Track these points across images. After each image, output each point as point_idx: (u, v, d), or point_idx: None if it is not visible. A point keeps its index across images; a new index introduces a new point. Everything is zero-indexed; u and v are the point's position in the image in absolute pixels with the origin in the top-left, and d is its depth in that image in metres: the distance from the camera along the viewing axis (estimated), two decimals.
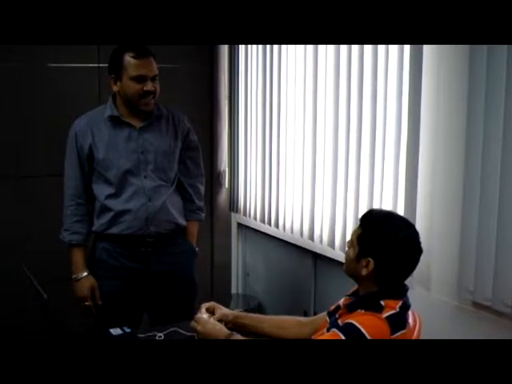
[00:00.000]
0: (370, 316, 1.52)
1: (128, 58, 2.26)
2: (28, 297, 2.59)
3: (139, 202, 2.34)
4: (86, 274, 2.37)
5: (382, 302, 1.54)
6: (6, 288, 3.12)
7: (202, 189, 2.62)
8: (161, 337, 1.98)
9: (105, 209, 2.36)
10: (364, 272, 1.57)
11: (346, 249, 1.68)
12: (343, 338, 1.48)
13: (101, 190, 2.36)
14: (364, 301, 1.58)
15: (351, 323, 1.50)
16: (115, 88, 2.33)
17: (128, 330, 1.97)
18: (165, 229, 2.41)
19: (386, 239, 1.56)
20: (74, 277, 2.38)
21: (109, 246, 2.39)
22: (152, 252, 2.40)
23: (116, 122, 2.35)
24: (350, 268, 1.64)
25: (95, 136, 2.33)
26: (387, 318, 1.51)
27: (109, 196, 2.35)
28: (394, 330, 1.50)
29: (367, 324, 1.49)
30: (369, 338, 1.47)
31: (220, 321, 1.82)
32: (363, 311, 1.54)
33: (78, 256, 2.38)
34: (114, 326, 2.01)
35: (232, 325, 1.86)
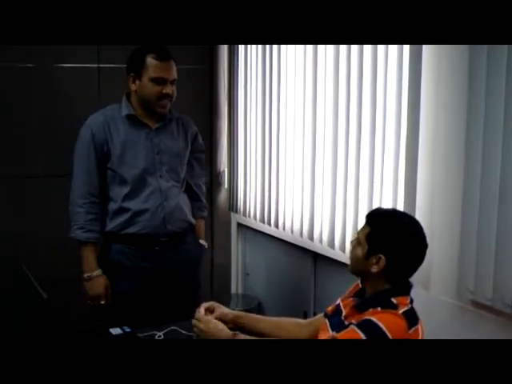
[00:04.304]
0: (388, 314, 1.53)
1: (150, 59, 2.29)
2: (28, 297, 2.59)
3: (156, 201, 2.37)
4: (99, 272, 2.36)
5: (394, 300, 1.56)
6: (6, 288, 3.12)
7: (205, 188, 2.70)
8: (160, 336, 1.98)
9: (122, 209, 2.36)
10: (375, 269, 1.58)
11: (351, 248, 1.68)
12: (362, 335, 1.50)
13: (117, 191, 2.36)
14: (375, 299, 1.59)
15: (369, 319, 1.51)
16: (133, 87, 2.34)
17: (128, 330, 1.97)
18: (179, 227, 2.45)
19: (397, 235, 1.58)
20: (86, 276, 2.36)
21: (124, 247, 2.39)
22: (166, 251, 2.42)
23: (133, 121, 2.36)
24: (358, 266, 1.64)
25: (112, 133, 2.34)
26: (403, 313, 1.53)
27: (126, 196, 2.35)
28: (410, 326, 1.53)
29: (386, 320, 1.51)
30: (388, 334, 1.48)
31: (219, 320, 1.82)
32: (379, 309, 1.55)
33: (90, 254, 2.36)
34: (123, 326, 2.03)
35: (232, 324, 1.86)
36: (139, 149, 2.35)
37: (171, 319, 2.24)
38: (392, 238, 1.58)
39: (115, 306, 2.39)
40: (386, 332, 1.49)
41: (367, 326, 1.51)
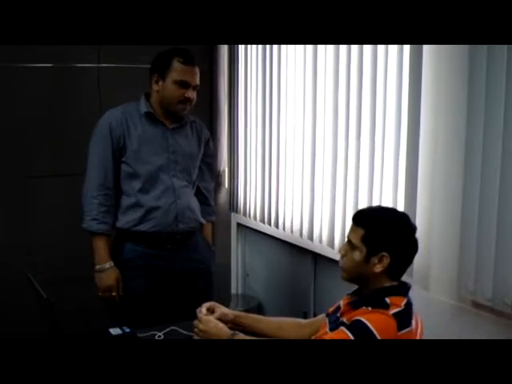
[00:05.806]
0: (377, 314, 1.52)
1: (176, 63, 2.34)
2: (28, 297, 2.60)
3: (169, 199, 2.40)
4: (111, 264, 2.37)
5: (387, 300, 1.55)
6: (7, 288, 3.12)
7: (213, 193, 2.75)
8: (160, 336, 1.98)
9: (135, 204, 2.38)
10: (378, 269, 1.57)
11: (343, 256, 1.64)
12: (351, 336, 1.49)
13: (130, 185, 2.38)
14: (369, 298, 1.58)
15: (359, 320, 1.51)
16: (155, 87, 2.39)
17: (127, 330, 1.97)
18: (191, 226, 2.49)
19: (396, 230, 1.59)
20: (98, 267, 2.37)
21: (136, 245, 2.41)
22: (178, 250, 2.46)
23: (151, 119, 2.40)
24: (357, 271, 1.61)
25: (130, 128, 2.37)
26: (394, 314, 1.52)
27: (140, 191, 2.37)
28: (400, 327, 1.51)
29: (375, 320, 1.50)
30: (377, 335, 1.47)
31: (220, 320, 1.83)
32: (370, 308, 1.55)
33: (102, 246, 2.37)
34: (140, 326, 2.04)
35: (232, 324, 1.86)
36: (155, 146, 2.40)
37: (180, 318, 2.22)
38: (392, 233, 1.58)
39: (126, 304, 2.40)
40: (375, 332, 1.48)
41: (356, 327, 1.50)
